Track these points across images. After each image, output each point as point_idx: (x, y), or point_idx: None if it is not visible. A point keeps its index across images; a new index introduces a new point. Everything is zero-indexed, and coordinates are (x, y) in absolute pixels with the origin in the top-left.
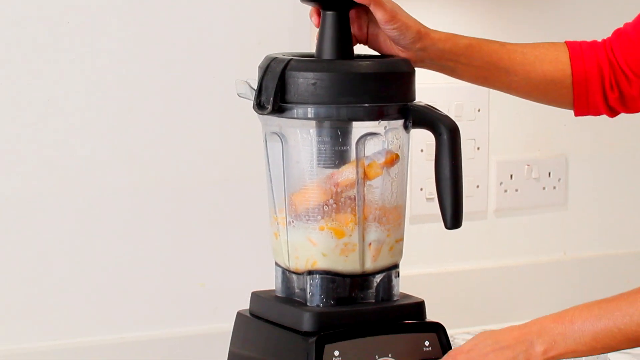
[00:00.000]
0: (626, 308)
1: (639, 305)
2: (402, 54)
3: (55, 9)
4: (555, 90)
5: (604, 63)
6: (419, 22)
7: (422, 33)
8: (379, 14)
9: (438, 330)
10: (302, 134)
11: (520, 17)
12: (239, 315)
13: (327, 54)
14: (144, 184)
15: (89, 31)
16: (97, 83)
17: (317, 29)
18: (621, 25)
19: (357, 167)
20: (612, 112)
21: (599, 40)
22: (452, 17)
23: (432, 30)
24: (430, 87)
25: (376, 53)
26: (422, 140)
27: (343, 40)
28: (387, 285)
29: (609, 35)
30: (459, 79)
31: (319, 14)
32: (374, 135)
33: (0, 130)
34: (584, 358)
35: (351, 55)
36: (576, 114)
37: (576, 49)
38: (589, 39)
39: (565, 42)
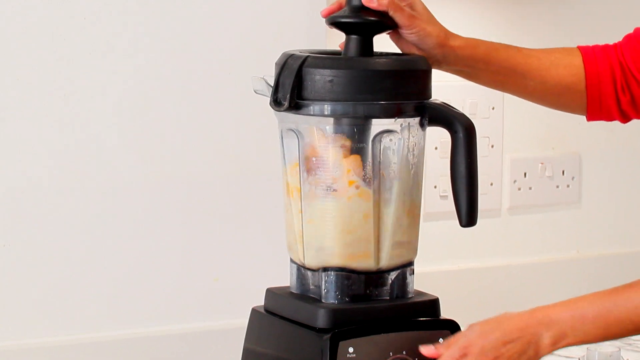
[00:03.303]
0: (638, 300)
1: None
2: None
3: (73, 3)
4: (569, 95)
5: (615, 66)
6: (441, 28)
7: (441, 40)
8: (397, 19)
9: (452, 327)
10: (318, 130)
11: (535, 18)
12: (254, 311)
13: None
14: (159, 179)
15: (106, 25)
16: (114, 80)
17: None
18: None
19: (372, 164)
20: (625, 118)
21: (611, 43)
22: (472, 17)
23: (452, 35)
24: (445, 85)
25: (393, 50)
26: (437, 138)
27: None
28: (402, 282)
29: (622, 36)
30: (475, 83)
31: None
32: (390, 133)
33: (18, 126)
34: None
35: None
36: (589, 119)
37: (589, 53)
38: (602, 39)
39: (578, 47)
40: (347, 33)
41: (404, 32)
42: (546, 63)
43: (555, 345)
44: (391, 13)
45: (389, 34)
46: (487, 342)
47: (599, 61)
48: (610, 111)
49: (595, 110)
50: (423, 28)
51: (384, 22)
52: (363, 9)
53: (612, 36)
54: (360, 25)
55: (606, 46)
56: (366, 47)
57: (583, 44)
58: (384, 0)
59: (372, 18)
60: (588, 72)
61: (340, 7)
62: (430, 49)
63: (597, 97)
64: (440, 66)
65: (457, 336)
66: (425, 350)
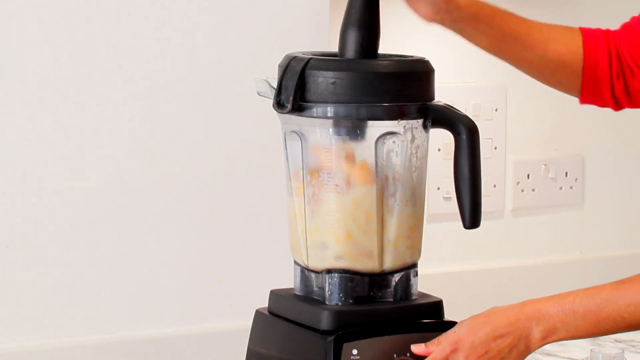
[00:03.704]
0: (630, 297)
1: None
2: (423, 7)
3: (77, 6)
4: (565, 73)
5: (613, 52)
6: None
7: None
8: None
9: None
10: (322, 132)
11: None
12: (258, 313)
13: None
14: (162, 181)
15: (109, 28)
16: (118, 82)
17: (337, 29)
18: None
19: (376, 166)
20: (617, 105)
21: (611, 30)
22: None
23: None
24: (448, 87)
25: (397, 52)
26: (440, 140)
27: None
28: (406, 284)
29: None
30: (473, 45)
31: None
32: (393, 135)
33: (21, 127)
34: None
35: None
36: (581, 101)
37: (590, 35)
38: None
39: (579, 28)
40: None
41: None
42: (547, 36)
43: (546, 339)
44: None
45: None
46: (477, 337)
47: (598, 45)
48: (603, 96)
49: (589, 93)
50: None
51: None
52: None
53: (612, 26)
54: None
55: (607, 31)
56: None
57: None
58: None
59: None
60: (586, 54)
61: None
62: (434, 1)
63: (592, 80)
64: (442, 23)
65: (447, 333)
66: (416, 348)
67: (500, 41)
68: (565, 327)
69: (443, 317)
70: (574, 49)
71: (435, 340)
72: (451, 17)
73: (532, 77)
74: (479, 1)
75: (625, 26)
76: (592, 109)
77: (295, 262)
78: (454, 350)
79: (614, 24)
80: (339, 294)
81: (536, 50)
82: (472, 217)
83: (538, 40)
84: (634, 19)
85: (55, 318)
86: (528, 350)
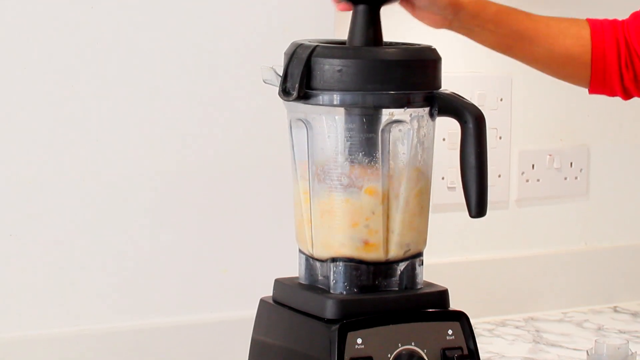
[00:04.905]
0: None
1: None
2: (432, 17)
3: None
4: (574, 65)
5: (621, 42)
6: None
7: (452, 1)
8: None
9: (461, 318)
10: (328, 120)
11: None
12: (262, 302)
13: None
14: (167, 171)
15: (115, 16)
16: (122, 72)
17: (342, 17)
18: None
19: (382, 154)
20: (626, 95)
21: (619, 19)
22: None
23: None
24: (453, 77)
25: (402, 40)
26: (445, 129)
27: (374, 34)
28: (411, 273)
29: (628, 16)
30: (482, 45)
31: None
32: (399, 123)
33: (27, 116)
34: None
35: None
36: (590, 92)
37: (597, 26)
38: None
39: (587, 19)
40: (355, 3)
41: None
42: (554, 31)
43: None
44: None
45: (400, 3)
46: None
47: (606, 35)
48: (612, 86)
49: (599, 83)
50: None
51: None
52: None
53: (619, 16)
54: None
55: (614, 21)
56: (373, 18)
57: None
58: None
59: None
60: (594, 45)
61: None
62: (442, 10)
63: (601, 71)
64: (451, 26)
65: None
66: None
67: (508, 39)
68: None
69: (448, 306)
70: (582, 41)
71: None
72: (459, 21)
73: (541, 71)
74: (484, 1)
75: (635, 15)
76: (598, 99)
77: (300, 251)
78: None
79: (622, 14)
80: (344, 283)
81: (544, 45)
82: (478, 205)
83: (545, 35)
84: None
85: (58, 308)
86: None
